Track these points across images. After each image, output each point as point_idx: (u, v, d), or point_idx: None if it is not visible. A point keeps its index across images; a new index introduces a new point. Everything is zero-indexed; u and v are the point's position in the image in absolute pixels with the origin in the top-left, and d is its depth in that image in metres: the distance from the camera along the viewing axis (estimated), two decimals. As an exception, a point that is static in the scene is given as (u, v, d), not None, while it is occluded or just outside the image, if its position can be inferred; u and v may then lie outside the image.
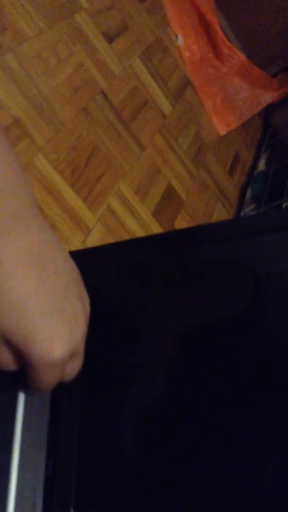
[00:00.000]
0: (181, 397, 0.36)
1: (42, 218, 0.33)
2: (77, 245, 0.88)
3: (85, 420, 0.38)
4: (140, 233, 1.03)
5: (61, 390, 0.37)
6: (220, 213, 1.42)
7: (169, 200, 1.21)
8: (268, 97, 1.97)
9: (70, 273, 0.33)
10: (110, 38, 1.31)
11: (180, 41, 1.68)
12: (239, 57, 1.95)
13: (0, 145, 0.29)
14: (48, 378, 0.31)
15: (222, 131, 1.71)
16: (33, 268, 0.30)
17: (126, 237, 0.98)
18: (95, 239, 0.92)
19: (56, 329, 0.30)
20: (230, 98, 1.84)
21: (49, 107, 1.00)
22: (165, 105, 1.44)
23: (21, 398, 0.35)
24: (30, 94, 0.97)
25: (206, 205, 1.37)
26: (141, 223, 1.05)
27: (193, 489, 0.32)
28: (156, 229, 1.09)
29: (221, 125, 1.73)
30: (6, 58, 0.97)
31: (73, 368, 0.33)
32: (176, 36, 1.68)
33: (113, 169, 1.07)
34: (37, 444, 0.35)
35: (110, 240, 0.93)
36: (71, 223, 0.89)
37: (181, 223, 1.19)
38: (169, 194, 1.23)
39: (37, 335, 0.30)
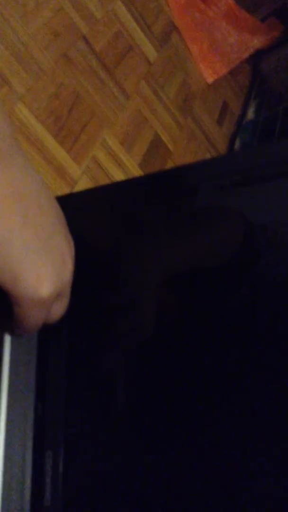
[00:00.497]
0: (168, 341, 0.36)
1: (23, 154, 0.31)
2: (62, 197, 0.86)
3: (73, 360, 0.38)
4: (127, 184, 1.01)
5: (48, 332, 0.37)
6: (209, 163, 1.39)
7: (156, 151, 1.19)
8: (257, 42, 1.90)
9: (55, 212, 0.32)
10: (90, -20, 1.24)
11: (164, -18, 1.60)
12: (226, 0, 1.87)
13: None
14: (34, 317, 0.31)
15: (210, 79, 1.66)
16: (17, 204, 0.29)
17: (112, 188, 0.97)
18: (81, 191, 0.90)
19: (43, 267, 0.30)
20: (217, 44, 1.78)
21: (28, 54, 0.96)
22: (150, 51, 1.39)
23: (7, 340, 0.35)
24: (7, 40, 0.93)
25: (194, 155, 1.34)
26: (127, 174, 1.03)
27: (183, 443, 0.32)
28: (143, 180, 1.07)
29: (209, 72, 1.67)
30: (-20, 1, 0.92)
31: (59, 308, 0.33)
32: (160, -23, 1.60)
33: (98, 119, 1.04)
34: (25, 385, 0.35)
35: (96, 191, 0.92)
36: (56, 175, 0.87)
37: (168, 174, 1.18)
38: (156, 144, 1.20)
39: (23, 271, 0.29)
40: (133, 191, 0.45)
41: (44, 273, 0.30)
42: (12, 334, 0.35)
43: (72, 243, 0.34)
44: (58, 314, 0.33)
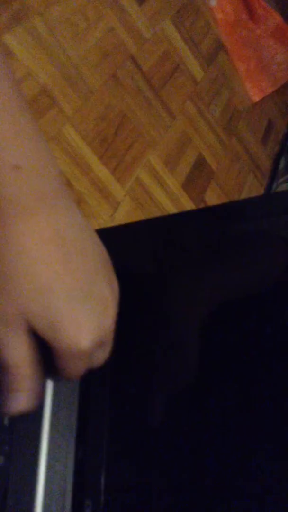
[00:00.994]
0: (214, 379, 0.35)
1: (69, 196, 0.31)
2: (105, 218, 0.86)
3: (115, 406, 0.37)
4: (169, 206, 1.00)
5: (90, 374, 0.37)
6: (252, 185, 1.37)
7: (200, 171, 1.18)
8: (305, 60, 1.87)
9: (99, 255, 0.32)
10: (140, 0, 1.25)
11: (214, 1, 1.60)
12: (275, 18, 1.85)
13: (23, 118, 0.27)
14: (75, 368, 0.30)
15: (256, 97, 1.64)
16: (58, 250, 0.29)
17: (155, 210, 0.96)
18: (123, 213, 0.90)
19: (84, 316, 0.29)
20: (264, 62, 1.76)
21: (78, 75, 0.97)
22: (197, 70, 1.38)
23: (49, 383, 0.35)
24: (58, 61, 0.94)
25: (238, 176, 1.33)
26: (170, 195, 1.03)
27: (229, 481, 0.31)
28: (186, 202, 1.07)
29: (255, 91, 1.65)
30: (34, 23, 0.94)
31: (102, 356, 0.32)
32: (210, -4, 1.60)
33: (142, 139, 1.04)
34: (66, 431, 0.35)
35: (138, 213, 0.92)
36: (100, 196, 0.87)
37: (211, 196, 1.16)
38: (200, 165, 1.19)
39: (64, 321, 0.28)
40: (177, 225, 0.45)
41: (85, 323, 0.29)
42: (53, 380, 0.34)
43: (116, 286, 0.33)
44: (101, 362, 0.32)
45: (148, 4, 1.27)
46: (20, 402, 0.29)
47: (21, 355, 0.29)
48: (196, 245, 0.42)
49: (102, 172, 0.89)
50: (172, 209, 1.01)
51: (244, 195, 1.31)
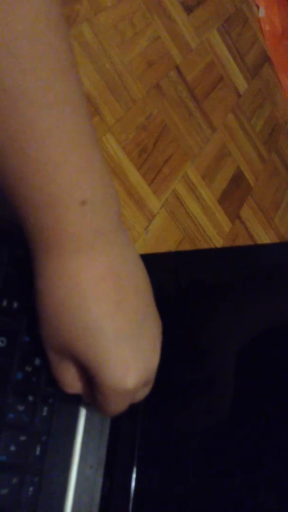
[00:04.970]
0: (250, 414, 0.34)
1: (125, 230, 0.30)
2: (139, 231, 0.85)
3: (145, 440, 0.36)
4: (204, 221, 0.99)
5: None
6: (289, 202, 1.35)
7: (237, 186, 1.16)
8: None
9: (149, 291, 0.31)
10: (189, 9, 1.24)
11: (262, 12, 1.57)
12: None
13: (93, 151, 0.27)
14: (117, 406, 0.30)
15: (298, 112, 1.61)
16: (113, 287, 0.28)
17: (189, 224, 0.95)
18: (157, 226, 0.89)
19: (132, 356, 0.28)
20: (309, 76, 1.72)
21: (122, 83, 0.97)
22: (241, 83, 1.37)
23: (82, 415, 0.34)
24: (103, 69, 0.94)
25: (275, 192, 1.30)
26: (205, 210, 1.01)
27: None
28: (221, 217, 1.05)
29: (297, 106, 1.62)
30: (81, 29, 0.94)
31: (143, 394, 0.32)
32: (258, 7, 1.58)
33: (182, 151, 1.03)
34: (95, 463, 0.34)
35: (172, 227, 0.91)
36: (135, 208, 0.86)
37: (247, 212, 1.14)
38: (237, 179, 1.17)
39: (111, 360, 0.28)
40: (214, 260, 0.43)
41: (133, 363, 0.28)
42: (87, 409, 0.34)
43: (160, 322, 0.33)
44: (141, 398, 0.32)
45: (196, 13, 1.26)
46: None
47: (67, 379, 0.30)
48: (231, 281, 0.41)
49: (139, 183, 0.89)
50: (206, 224, 1.00)
51: (280, 213, 1.28)
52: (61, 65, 0.23)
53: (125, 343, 0.28)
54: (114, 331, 0.27)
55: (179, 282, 0.43)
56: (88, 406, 0.34)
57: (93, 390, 0.29)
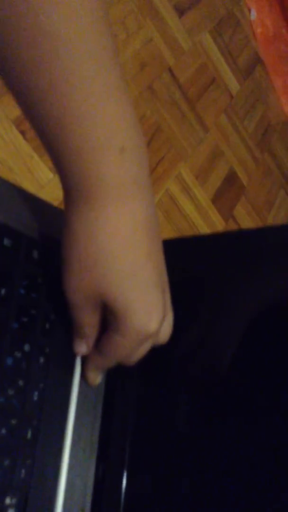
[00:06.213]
0: (247, 392, 0.34)
1: (151, 183, 0.31)
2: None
3: (138, 423, 0.37)
4: (198, 220, 1.00)
5: (114, 389, 0.36)
6: (283, 201, 1.36)
7: (230, 186, 1.17)
8: None
9: (162, 246, 0.33)
10: (181, 12, 1.26)
11: (253, 15, 1.59)
12: (315, 33, 1.83)
13: (126, 100, 0.27)
14: (140, 350, 0.31)
15: (291, 113, 1.62)
16: (145, 238, 0.29)
17: (183, 224, 0.96)
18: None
19: (155, 302, 0.30)
20: (301, 78, 1.74)
21: (115, 85, 0.98)
22: (233, 84, 1.38)
23: (74, 397, 0.35)
24: (96, 71, 0.95)
25: (269, 192, 1.31)
26: (199, 209, 1.02)
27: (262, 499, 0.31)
28: (214, 216, 1.06)
29: (290, 106, 1.64)
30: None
31: (166, 332, 0.33)
32: (250, 10, 1.60)
33: (175, 151, 1.04)
34: (88, 446, 0.35)
35: (167, 226, 0.91)
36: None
37: (240, 211, 1.15)
38: (231, 179, 1.18)
39: (137, 305, 0.29)
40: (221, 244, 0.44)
41: (155, 308, 0.30)
42: (80, 388, 0.34)
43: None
44: (166, 337, 0.33)
45: (188, 16, 1.28)
46: (77, 345, 0.33)
47: (85, 320, 0.31)
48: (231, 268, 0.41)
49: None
50: (200, 223, 1.01)
51: (274, 212, 1.29)
52: (98, 15, 0.23)
53: (150, 291, 0.30)
54: (144, 279, 0.29)
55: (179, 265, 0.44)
56: (80, 388, 0.34)
57: (110, 337, 0.30)
